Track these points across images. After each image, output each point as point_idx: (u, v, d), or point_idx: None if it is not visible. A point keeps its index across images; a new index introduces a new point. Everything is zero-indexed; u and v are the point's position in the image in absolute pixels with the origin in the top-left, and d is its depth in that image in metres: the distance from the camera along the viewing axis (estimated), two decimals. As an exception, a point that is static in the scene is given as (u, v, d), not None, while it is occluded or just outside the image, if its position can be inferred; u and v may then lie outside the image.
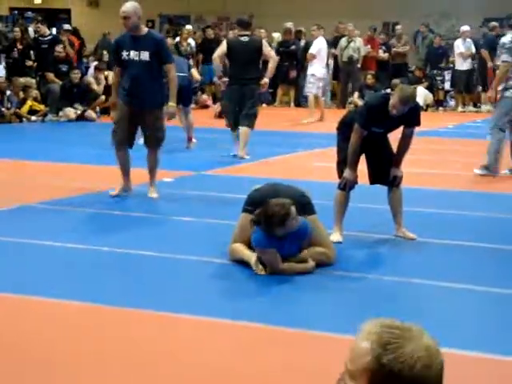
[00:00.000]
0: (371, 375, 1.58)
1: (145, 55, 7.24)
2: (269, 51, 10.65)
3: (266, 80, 10.46)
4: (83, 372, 3.56)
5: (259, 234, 5.06)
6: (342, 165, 6.04)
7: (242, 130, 10.20)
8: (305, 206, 5.31)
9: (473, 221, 6.82)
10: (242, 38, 10.32)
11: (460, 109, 18.29)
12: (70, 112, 15.14)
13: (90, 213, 6.93)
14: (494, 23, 17.88)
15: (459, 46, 17.75)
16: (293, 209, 4.99)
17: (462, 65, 17.82)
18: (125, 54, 7.32)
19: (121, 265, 5.40)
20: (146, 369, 3.60)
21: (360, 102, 18.45)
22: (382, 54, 19.39)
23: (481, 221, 6.82)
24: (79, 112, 15.20)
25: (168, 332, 4.13)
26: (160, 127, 7.55)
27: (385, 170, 6.08)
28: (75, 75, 15.45)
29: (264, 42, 10.85)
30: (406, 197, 6.17)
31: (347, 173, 5.94)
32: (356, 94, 18.56)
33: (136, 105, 7.39)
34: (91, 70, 16.68)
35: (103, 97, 15.82)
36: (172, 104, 7.54)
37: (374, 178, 6.19)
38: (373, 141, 5.97)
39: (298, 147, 11.42)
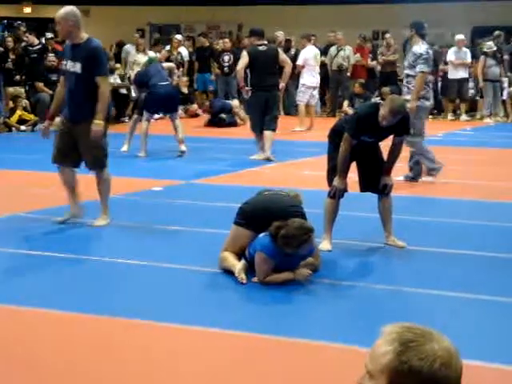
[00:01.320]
0: (391, 373, 1.60)
1: (77, 66, 6.61)
2: (284, 58, 11.40)
3: (282, 85, 11.39)
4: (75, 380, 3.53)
5: (269, 241, 5.02)
6: (332, 173, 6.04)
7: (268, 133, 10.87)
8: (297, 217, 5.29)
9: (464, 229, 6.81)
10: (261, 48, 10.95)
11: (450, 117, 18.30)
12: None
13: (79, 222, 6.89)
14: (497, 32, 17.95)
15: (450, 54, 17.78)
16: (312, 235, 4.99)
17: (455, 74, 17.84)
18: (63, 63, 6.88)
19: (109, 274, 5.37)
20: (139, 378, 3.57)
21: (350, 111, 18.51)
22: (371, 62, 19.43)
23: (472, 229, 6.82)
24: (69, 121, 15.14)
25: (161, 341, 4.10)
26: (95, 145, 6.62)
27: (375, 177, 6.08)
28: (66, 85, 15.39)
29: (279, 50, 11.73)
30: (398, 205, 6.18)
31: (337, 181, 5.94)
32: (346, 103, 18.59)
33: (70, 119, 6.83)
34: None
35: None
36: (97, 121, 6.55)
37: (365, 186, 6.19)
38: (363, 149, 5.97)
39: (287, 156, 11.41)
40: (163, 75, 11.70)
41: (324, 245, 5.82)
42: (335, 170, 5.96)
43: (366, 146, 5.96)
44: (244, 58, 10.89)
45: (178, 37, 18.97)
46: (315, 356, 3.92)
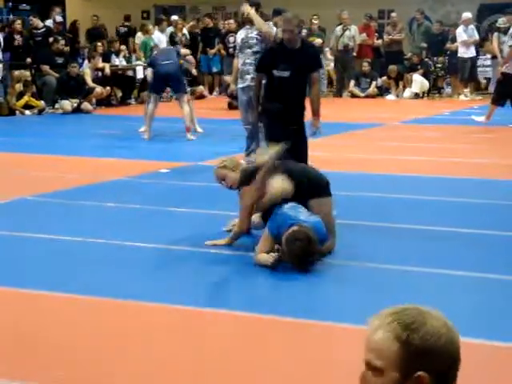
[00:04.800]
0: (404, 361, 1.55)
1: None
2: None
3: None
4: (80, 360, 3.56)
5: (278, 224, 4.99)
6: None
7: None
8: (325, 186, 5.27)
9: (474, 208, 6.80)
10: None
11: (463, 97, 17.93)
12: (67, 104, 15.10)
13: (86, 205, 6.91)
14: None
15: (461, 33, 17.58)
16: (315, 257, 4.89)
17: (466, 52, 17.69)
18: None
19: (117, 257, 5.38)
20: (141, 360, 3.60)
21: (356, 91, 18.49)
22: (377, 41, 19.35)
23: (482, 208, 6.81)
24: (75, 104, 15.16)
25: (177, 323, 4.13)
26: None
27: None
28: (73, 68, 15.39)
29: None
30: (405, 183, 6.16)
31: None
32: (352, 83, 18.54)
33: None
34: (86, 62, 16.64)
35: (99, 89, 15.78)
36: None
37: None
38: (288, 103, 6.02)
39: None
40: (169, 55, 11.65)
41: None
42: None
43: (287, 91, 5.98)
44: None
45: (175, 18, 18.82)
46: (324, 336, 3.94)
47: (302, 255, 4.80)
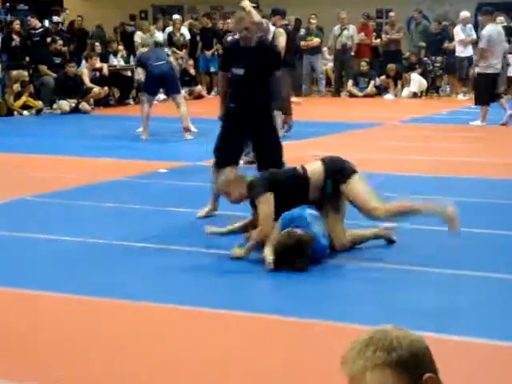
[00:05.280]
0: (404, 375, 1.55)
1: None
2: None
3: None
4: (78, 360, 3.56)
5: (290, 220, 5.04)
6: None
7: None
8: (342, 170, 5.31)
9: (472, 207, 6.80)
10: (289, 27, 11.38)
11: (461, 97, 17.93)
12: (64, 104, 15.09)
13: (84, 205, 6.91)
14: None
15: (459, 32, 17.58)
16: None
17: (463, 51, 17.69)
18: None
19: (116, 256, 5.37)
20: (139, 359, 3.60)
21: (355, 90, 18.48)
22: (375, 41, 19.35)
23: (480, 206, 6.81)
24: (73, 105, 15.14)
25: (178, 322, 4.12)
26: None
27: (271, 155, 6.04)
28: (71, 68, 15.37)
29: None
30: (403, 183, 6.15)
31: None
32: (350, 82, 18.53)
33: None
34: (83, 62, 16.63)
35: (96, 89, 15.77)
36: None
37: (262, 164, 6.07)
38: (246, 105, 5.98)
39: (290, 136, 11.37)
40: (160, 55, 11.61)
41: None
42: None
43: (243, 89, 5.97)
44: (283, 36, 10.95)
45: (177, 17, 18.83)
46: (325, 336, 3.94)
47: (290, 253, 4.86)
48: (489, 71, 12.62)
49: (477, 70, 12.80)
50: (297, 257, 4.88)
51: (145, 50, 13.45)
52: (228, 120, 6.21)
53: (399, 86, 18.54)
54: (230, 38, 8.72)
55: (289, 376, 3.46)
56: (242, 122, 6.06)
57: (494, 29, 12.95)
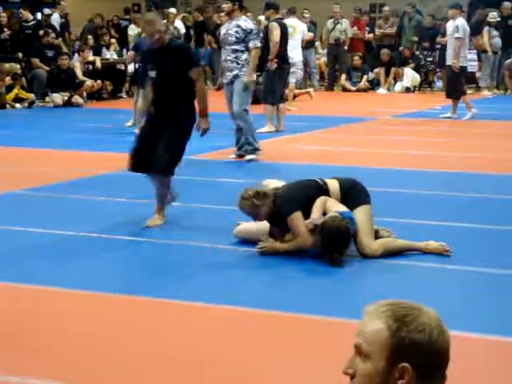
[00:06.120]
0: (392, 350, 1.60)
1: None
2: None
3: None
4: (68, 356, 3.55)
5: None
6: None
7: (282, 105, 11.47)
8: (360, 192, 5.28)
9: (464, 202, 6.81)
10: (283, 21, 11.39)
11: None
12: (57, 97, 15.03)
13: (77, 199, 6.88)
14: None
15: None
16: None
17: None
18: None
19: (109, 250, 5.36)
20: (131, 353, 3.59)
21: (348, 84, 18.47)
22: (368, 35, 19.35)
23: (472, 202, 6.81)
24: (66, 98, 15.09)
25: (175, 317, 4.11)
26: None
27: (158, 156, 5.77)
28: (64, 61, 15.31)
29: None
30: (396, 177, 6.14)
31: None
32: (343, 76, 18.53)
33: None
34: (76, 55, 16.57)
35: (89, 82, 15.72)
36: None
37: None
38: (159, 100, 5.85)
39: (284, 131, 11.37)
40: None
41: None
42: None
43: (157, 92, 5.84)
44: (278, 30, 10.95)
45: (173, 10, 18.80)
46: (312, 331, 3.94)
47: (337, 242, 4.86)
48: (464, 64, 12.67)
49: (454, 62, 12.76)
50: (336, 246, 4.86)
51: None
52: (146, 122, 5.98)
53: (391, 79, 18.53)
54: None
55: (292, 374, 3.46)
56: (160, 122, 5.83)
57: (464, 22, 13.00)
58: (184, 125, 5.86)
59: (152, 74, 5.84)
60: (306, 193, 5.19)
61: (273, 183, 5.66)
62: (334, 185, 5.31)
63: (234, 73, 8.84)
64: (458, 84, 12.62)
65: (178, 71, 5.80)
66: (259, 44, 9.11)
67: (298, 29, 14.66)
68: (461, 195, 6.99)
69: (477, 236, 5.67)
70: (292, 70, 14.70)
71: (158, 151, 5.74)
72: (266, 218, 5.21)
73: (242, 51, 8.86)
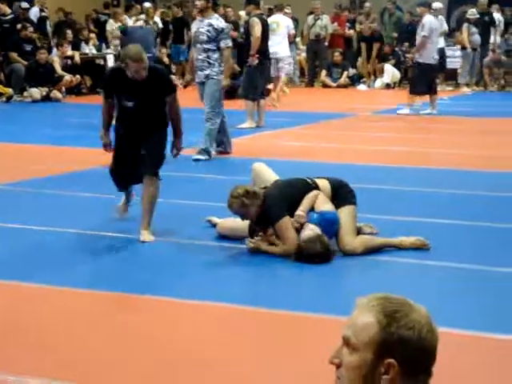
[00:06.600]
0: (379, 345, 1.61)
1: None
2: None
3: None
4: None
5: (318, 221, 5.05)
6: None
7: (263, 101, 11.39)
8: (348, 193, 5.29)
9: (443, 198, 6.84)
10: (264, 17, 11.36)
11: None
12: (36, 92, 14.92)
13: (58, 195, 6.83)
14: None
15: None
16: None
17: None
18: None
19: (91, 247, 5.32)
20: (122, 351, 3.56)
21: (328, 81, 18.49)
22: (348, 31, 19.38)
23: (451, 198, 6.84)
24: (44, 93, 14.98)
25: (170, 315, 4.09)
26: None
27: (146, 160, 5.55)
28: (42, 55, 15.19)
29: None
30: (375, 173, 6.16)
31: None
32: (324, 72, 18.54)
33: None
34: (55, 50, 16.45)
35: (68, 77, 15.61)
36: None
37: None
38: (133, 128, 5.54)
39: (264, 127, 11.35)
40: (146, 43, 11.40)
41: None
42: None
43: (133, 119, 5.51)
44: (259, 25, 10.92)
45: (147, 4, 18.63)
46: (305, 328, 3.94)
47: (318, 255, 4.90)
48: (429, 61, 12.76)
49: (417, 59, 12.87)
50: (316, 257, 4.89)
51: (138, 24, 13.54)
52: (118, 139, 5.71)
53: (372, 76, 18.58)
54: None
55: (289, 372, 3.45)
56: (130, 142, 5.60)
57: (433, 19, 13.06)
58: (163, 136, 5.65)
59: (129, 104, 5.47)
60: (295, 193, 5.18)
61: (266, 173, 5.60)
62: (324, 184, 5.32)
63: (206, 72, 8.70)
64: (420, 81, 12.71)
65: (157, 99, 5.53)
66: (230, 43, 8.97)
67: (282, 24, 14.64)
68: (440, 191, 7.01)
69: (456, 232, 5.69)
70: (280, 65, 14.78)
71: (146, 158, 5.54)
72: (254, 218, 5.15)
73: (214, 50, 8.71)
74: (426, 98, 13.20)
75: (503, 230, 5.73)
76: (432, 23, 12.80)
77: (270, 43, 14.75)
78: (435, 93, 13.10)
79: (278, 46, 14.47)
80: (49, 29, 18.03)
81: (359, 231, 5.27)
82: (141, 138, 5.55)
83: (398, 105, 13.69)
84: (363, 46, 19.13)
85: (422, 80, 12.69)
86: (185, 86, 10.05)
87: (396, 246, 5.19)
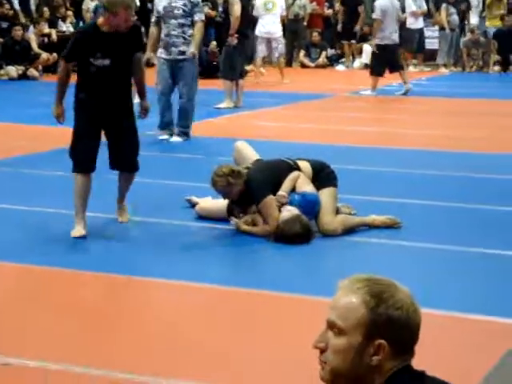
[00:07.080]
0: (368, 326, 1.60)
1: None
2: None
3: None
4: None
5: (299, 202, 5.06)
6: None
7: (242, 81, 11.34)
8: (329, 175, 5.32)
9: (420, 179, 6.88)
10: None
11: (411, 68, 18.00)
12: (12, 70, 14.77)
13: (32, 173, 6.79)
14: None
15: (410, 4, 17.63)
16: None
17: (415, 23, 17.75)
18: None
19: (67, 227, 5.29)
20: (106, 329, 3.57)
21: (306, 61, 18.46)
22: (327, 11, 19.32)
23: (428, 179, 6.88)
24: (21, 71, 14.82)
25: (133, 292, 4.09)
26: None
27: (127, 157, 5.41)
28: (17, 32, 15.02)
29: None
30: (352, 154, 6.16)
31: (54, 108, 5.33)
32: (302, 53, 18.50)
33: None
34: (31, 28, 16.26)
35: (45, 55, 15.46)
36: None
37: (115, 164, 5.48)
38: (109, 88, 5.16)
39: (240, 107, 11.32)
40: None
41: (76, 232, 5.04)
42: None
43: (108, 80, 5.13)
44: (239, 5, 10.82)
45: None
46: (285, 307, 3.96)
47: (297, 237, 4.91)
48: (385, 42, 12.86)
49: (375, 41, 13.05)
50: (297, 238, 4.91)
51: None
52: (81, 110, 5.25)
53: (350, 57, 18.57)
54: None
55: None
56: (97, 110, 5.21)
57: (383, 1, 13.15)
58: (134, 119, 5.43)
59: (104, 62, 5.08)
60: (277, 174, 5.21)
61: (248, 151, 5.60)
62: (305, 165, 5.35)
63: (180, 49, 8.43)
64: (378, 62, 12.88)
65: (130, 56, 5.24)
66: (204, 17, 8.71)
67: (277, 4, 14.70)
68: (412, 172, 7.05)
69: (430, 212, 5.74)
70: (274, 45, 14.75)
71: (126, 152, 5.39)
72: (235, 198, 5.16)
73: (189, 26, 8.46)
74: (400, 79, 13.23)
75: (476, 211, 5.78)
76: (382, 5, 12.97)
77: (263, 22, 14.77)
78: (402, 68, 13.17)
79: (273, 25, 14.57)
80: (33, 8, 17.84)
81: (338, 212, 5.30)
82: (111, 106, 5.22)
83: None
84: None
85: (381, 61, 12.85)
86: (146, 64, 9.88)
87: (369, 225, 5.26)
